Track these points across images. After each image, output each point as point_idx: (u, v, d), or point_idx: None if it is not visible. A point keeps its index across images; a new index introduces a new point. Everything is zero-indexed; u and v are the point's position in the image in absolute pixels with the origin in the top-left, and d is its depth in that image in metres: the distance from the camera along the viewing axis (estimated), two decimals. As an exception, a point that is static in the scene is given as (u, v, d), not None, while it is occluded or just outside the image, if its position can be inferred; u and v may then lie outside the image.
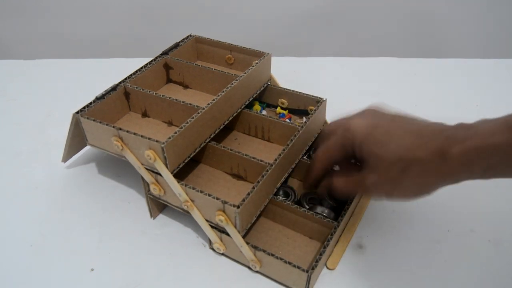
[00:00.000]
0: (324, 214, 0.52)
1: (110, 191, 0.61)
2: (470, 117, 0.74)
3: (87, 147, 0.67)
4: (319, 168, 0.50)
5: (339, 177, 0.47)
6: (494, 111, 0.76)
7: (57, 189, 0.62)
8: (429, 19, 1.19)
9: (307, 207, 0.55)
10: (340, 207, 0.55)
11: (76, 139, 0.58)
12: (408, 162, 0.38)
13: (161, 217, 0.58)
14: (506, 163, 0.34)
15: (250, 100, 0.63)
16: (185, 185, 0.49)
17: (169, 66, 0.67)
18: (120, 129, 0.50)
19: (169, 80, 0.69)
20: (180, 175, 0.56)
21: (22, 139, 0.71)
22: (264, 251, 0.47)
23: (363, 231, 0.55)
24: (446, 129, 0.39)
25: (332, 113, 0.68)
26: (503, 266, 0.52)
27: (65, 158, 0.62)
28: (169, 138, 0.48)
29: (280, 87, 0.68)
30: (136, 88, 0.60)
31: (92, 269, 0.51)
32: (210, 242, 0.52)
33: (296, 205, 0.52)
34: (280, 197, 0.56)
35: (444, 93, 0.82)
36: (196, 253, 0.53)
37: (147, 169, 0.51)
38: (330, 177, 0.49)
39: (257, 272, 0.50)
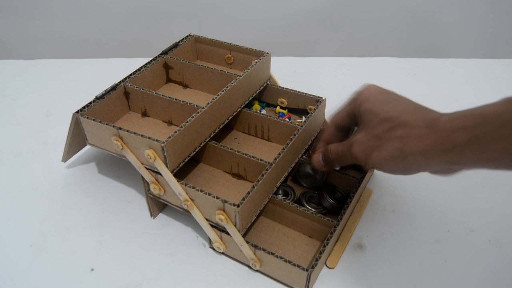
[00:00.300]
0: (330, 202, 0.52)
1: (110, 191, 0.61)
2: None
3: (87, 147, 0.67)
4: (328, 133, 0.49)
5: (336, 143, 0.47)
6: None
7: (57, 189, 0.62)
8: (429, 19, 1.19)
9: (308, 207, 0.55)
10: (339, 206, 0.55)
11: (76, 139, 0.58)
12: (396, 123, 0.38)
13: (161, 217, 0.58)
14: (490, 135, 0.32)
15: (250, 99, 0.63)
16: (185, 184, 0.49)
17: (168, 66, 0.67)
18: (120, 128, 0.50)
19: (168, 80, 0.69)
20: (180, 174, 0.56)
21: (22, 139, 0.71)
22: (264, 250, 0.47)
23: (363, 231, 0.55)
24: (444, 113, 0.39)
25: (331, 112, 0.68)
26: (503, 266, 0.51)
27: (65, 158, 0.62)
28: (169, 137, 0.48)
29: (280, 87, 0.68)
30: (136, 87, 0.60)
31: (92, 269, 0.51)
32: (210, 241, 0.52)
33: (296, 204, 0.52)
34: (280, 196, 0.56)
35: (444, 93, 0.82)
36: (196, 252, 0.53)
37: (147, 168, 0.51)
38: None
39: (257, 271, 0.50)
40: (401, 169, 0.39)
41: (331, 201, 0.55)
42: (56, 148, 0.67)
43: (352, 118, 0.46)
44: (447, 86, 0.84)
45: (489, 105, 0.34)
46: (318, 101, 0.64)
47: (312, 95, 0.65)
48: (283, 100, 0.68)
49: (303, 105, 0.66)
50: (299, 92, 0.66)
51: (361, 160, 0.42)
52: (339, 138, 0.49)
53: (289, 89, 0.67)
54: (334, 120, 0.48)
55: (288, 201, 0.53)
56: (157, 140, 0.47)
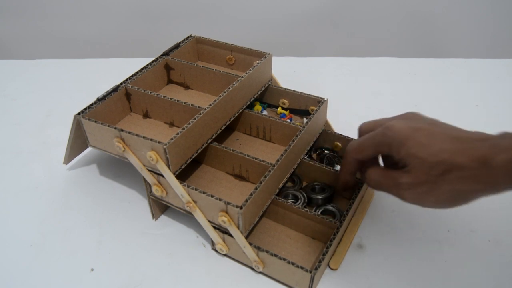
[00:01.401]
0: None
1: (110, 191, 0.61)
2: (470, 117, 0.76)
3: (88, 148, 0.66)
4: (350, 162, 0.48)
5: (377, 169, 0.45)
6: (494, 111, 0.78)
7: (57, 189, 0.62)
8: (429, 19, 1.19)
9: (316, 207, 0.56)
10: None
11: (78, 141, 0.58)
12: (449, 167, 0.38)
13: (161, 217, 0.58)
14: None
15: (251, 100, 0.63)
16: (188, 186, 0.49)
17: (170, 67, 0.67)
18: (122, 130, 0.50)
19: (170, 81, 0.69)
20: (182, 176, 0.56)
21: (22, 139, 0.70)
22: (267, 251, 0.47)
23: (363, 231, 0.56)
24: (490, 137, 0.38)
25: (333, 113, 0.68)
26: (503, 266, 0.52)
27: (67, 160, 0.62)
28: (171, 139, 0.48)
29: (281, 87, 0.68)
30: (137, 89, 0.60)
31: (92, 269, 0.51)
32: (212, 243, 0.52)
33: (298, 206, 0.52)
34: (290, 201, 0.54)
35: (444, 93, 0.82)
36: (196, 253, 0.53)
37: (149, 170, 0.51)
38: (366, 168, 0.47)
39: (260, 272, 0.50)
40: (458, 205, 0.40)
41: (319, 196, 0.56)
42: (56, 148, 0.67)
43: (378, 152, 0.45)
44: (447, 86, 0.84)
45: None
46: (319, 102, 0.64)
47: (314, 96, 0.65)
48: (285, 101, 0.68)
49: (304, 106, 0.66)
50: (300, 92, 0.66)
51: (408, 202, 0.42)
52: (358, 167, 0.49)
53: (291, 90, 0.67)
54: (358, 156, 0.47)
55: (290, 203, 0.53)
56: (159, 142, 0.47)
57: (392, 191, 0.43)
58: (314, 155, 0.63)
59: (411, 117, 0.44)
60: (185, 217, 0.57)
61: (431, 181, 0.39)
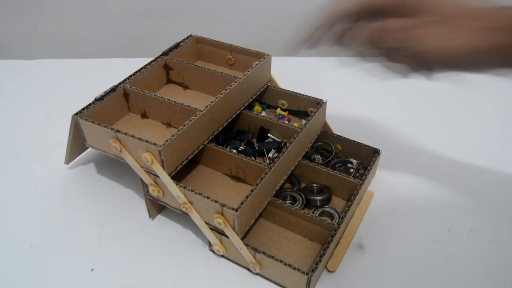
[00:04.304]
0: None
1: (110, 191, 0.61)
2: (470, 117, 0.75)
3: (88, 148, 0.67)
4: (344, 11, 0.44)
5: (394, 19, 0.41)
6: (494, 111, 0.77)
7: (57, 189, 0.62)
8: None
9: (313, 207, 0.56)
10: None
11: (77, 141, 0.58)
12: (451, 15, 0.37)
13: (161, 217, 0.58)
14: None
15: (250, 101, 0.63)
16: (184, 187, 0.49)
17: (169, 67, 0.67)
18: (118, 131, 0.50)
19: (169, 81, 0.69)
20: (179, 176, 0.56)
21: (22, 139, 0.71)
22: (264, 253, 0.47)
23: (363, 231, 0.56)
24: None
25: (332, 114, 0.68)
26: (503, 266, 0.52)
27: (68, 160, 0.62)
28: (166, 141, 0.48)
29: (280, 88, 0.68)
30: (135, 89, 0.60)
31: (92, 269, 0.51)
32: (210, 244, 0.52)
33: (296, 207, 0.52)
34: (288, 203, 0.54)
35: (444, 93, 0.82)
36: (196, 253, 0.53)
37: (145, 170, 0.51)
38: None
39: (257, 274, 0.50)
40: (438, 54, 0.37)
41: (318, 198, 0.56)
42: (56, 148, 0.67)
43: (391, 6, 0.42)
44: (447, 86, 0.84)
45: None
46: (318, 103, 0.64)
47: (313, 97, 0.64)
48: (284, 102, 0.68)
49: (303, 107, 0.66)
50: (299, 94, 0.66)
51: (422, 45, 0.38)
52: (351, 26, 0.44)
53: (290, 91, 0.66)
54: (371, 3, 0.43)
55: (288, 204, 0.53)
56: (154, 144, 0.47)
57: (407, 36, 0.38)
58: (313, 156, 0.63)
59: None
60: (185, 217, 0.57)
61: (426, 23, 0.37)
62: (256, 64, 0.62)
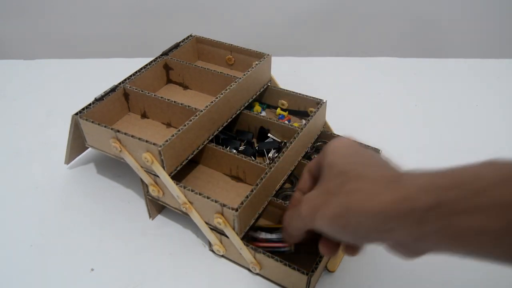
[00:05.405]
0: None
1: (110, 191, 0.62)
2: (470, 117, 0.75)
3: (89, 148, 0.67)
4: (303, 181, 0.41)
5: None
6: (494, 111, 0.77)
7: (57, 189, 0.62)
8: (430, 19, 1.19)
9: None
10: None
11: (77, 141, 0.58)
12: (351, 176, 0.31)
13: (161, 217, 0.58)
14: (461, 203, 0.26)
15: (250, 101, 0.63)
16: (184, 187, 0.49)
17: (169, 67, 0.67)
18: (118, 131, 0.50)
19: (169, 81, 0.69)
20: (179, 176, 0.56)
21: (22, 139, 0.71)
22: (264, 253, 0.47)
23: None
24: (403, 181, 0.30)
25: (332, 114, 0.68)
26: (503, 266, 0.52)
27: (68, 160, 0.62)
28: (166, 141, 0.48)
29: (280, 88, 0.68)
30: (135, 89, 0.60)
31: (92, 269, 0.51)
32: (210, 244, 0.53)
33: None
34: (288, 202, 0.53)
35: (444, 93, 0.82)
36: (196, 253, 0.53)
37: (145, 170, 0.51)
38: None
39: (257, 274, 0.50)
40: (347, 233, 0.31)
41: None
42: (56, 148, 0.67)
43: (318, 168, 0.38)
44: (447, 86, 0.84)
45: (469, 166, 0.27)
46: (318, 103, 0.64)
47: (313, 97, 0.65)
48: (284, 102, 0.68)
49: (303, 107, 0.66)
50: (299, 94, 0.66)
51: (307, 222, 0.33)
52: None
53: (290, 91, 0.67)
54: (307, 166, 0.41)
55: (288, 203, 0.53)
56: (154, 144, 0.48)
57: (294, 216, 0.36)
58: (313, 156, 0.63)
59: (358, 144, 0.37)
60: (185, 217, 0.57)
61: (329, 192, 0.32)
62: (256, 64, 0.62)
